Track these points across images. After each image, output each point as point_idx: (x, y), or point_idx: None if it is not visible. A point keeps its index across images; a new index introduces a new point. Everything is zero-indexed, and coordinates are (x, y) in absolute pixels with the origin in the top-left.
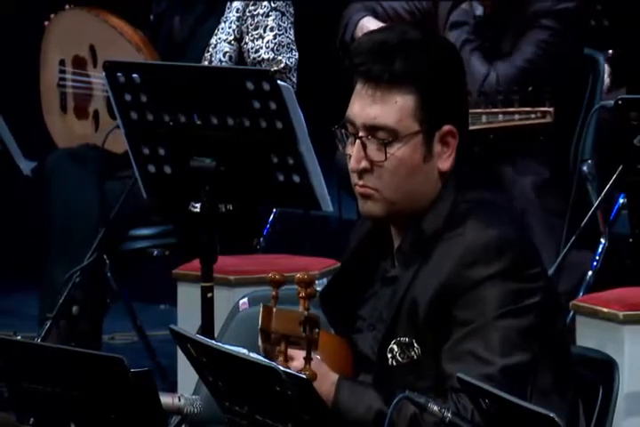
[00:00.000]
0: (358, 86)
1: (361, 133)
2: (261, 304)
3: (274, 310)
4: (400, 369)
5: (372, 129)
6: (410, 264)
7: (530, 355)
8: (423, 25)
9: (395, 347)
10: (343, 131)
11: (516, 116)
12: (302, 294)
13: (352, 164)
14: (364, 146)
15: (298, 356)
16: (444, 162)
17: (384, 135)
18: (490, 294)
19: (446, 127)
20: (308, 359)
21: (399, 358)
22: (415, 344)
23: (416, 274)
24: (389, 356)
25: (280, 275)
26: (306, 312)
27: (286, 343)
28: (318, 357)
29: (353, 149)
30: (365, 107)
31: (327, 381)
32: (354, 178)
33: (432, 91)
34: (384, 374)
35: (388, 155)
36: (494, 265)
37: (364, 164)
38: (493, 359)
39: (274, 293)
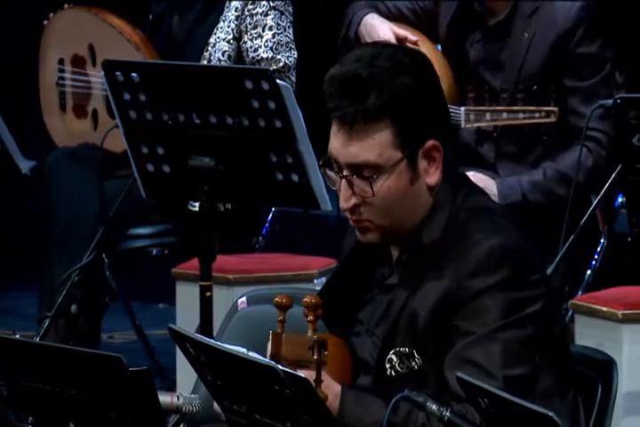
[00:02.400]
0: (334, 127)
1: (345, 173)
2: (270, 331)
3: (283, 336)
4: (399, 379)
5: (355, 167)
6: (409, 275)
7: (531, 366)
8: (390, 44)
9: (393, 357)
10: (328, 169)
11: (521, 115)
12: (310, 318)
13: (342, 204)
14: (350, 184)
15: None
16: (432, 177)
17: (368, 172)
18: (491, 304)
19: (429, 143)
20: (317, 382)
21: (398, 369)
22: (416, 354)
23: (415, 285)
24: (388, 366)
25: (287, 298)
26: (315, 336)
27: (295, 367)
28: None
29: (340, 188)
30: (345, 146)
31: (331, 392)
32: (346, 214)
33: (408, 116)
34: (383, 384)
35: (375, 190)
36: (495, 275)
37: (353, 201)
38: (495, 371)
39: (281, 317)
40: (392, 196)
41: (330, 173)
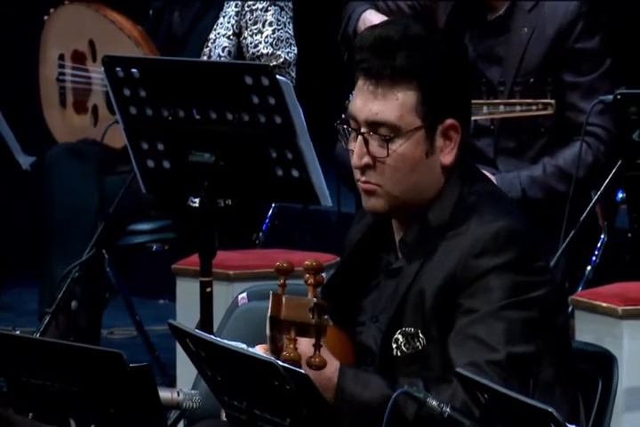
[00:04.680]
0: (360, 82)
1: (363, 129)
2: (271, 292)
3: (283, 297)
4: (405, 359)
5: (373, 125)
6: (414, 256)
7: (533, 347)
8: (425, 19)
9: (400, 337)
10: (345, 126)
11: (518, 108)
12: (311, 281)
13: (354, 160)
14: (366, 142)
15: (307, 343)
16: (447, 156)
17: (386, 131)
18: (496, 283)
19: (448, 121)
20: (317, 346)
21: (404, 349)
22: (420, 335)
23: (422, 265)
24: (394, 346)
25: (287, 263)
26: (315, 299)
27: (296, 331)
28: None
29: (355, 145)
30: (367, 103)
31: (330, 367)
32: (356, 174)
33: (434, 86)
34: (388, 364)
35: (390, 151)
36: (502, 256)
37: (366, 160)
38: (499, 347)
39: (282, 281)
40: (405, 162)
41: (346, 130)
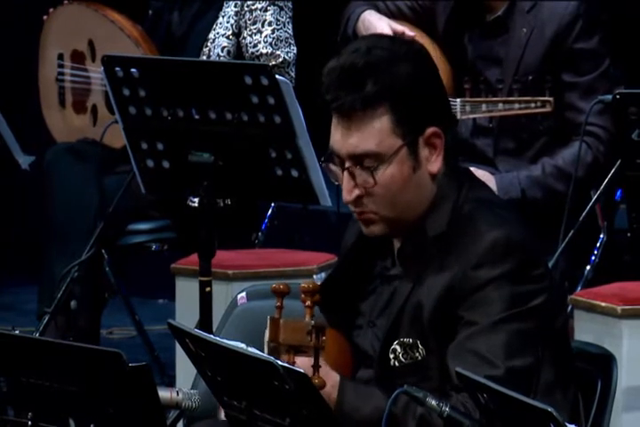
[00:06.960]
0: (334, 120)
1: (347, 164)
2: (268, 317)
3: (281, 321)
4: (403, 370)
5: (356, 158)
6: (412, 267)
7: (533, 359)
8: (386, 35)
9: (397, 348)
10: (329, 164)
11: (516, 106)
12: (308, 303)
13: (345, 196)
14: (352, 176)
15: (306, 364)
16: (434, 164)
17: (370, 162)
18: (495, 295)
19: (429, 130)
20: (316, 367)
21: (402, 359)
22: (419, 345)
23: (420, 276)
24: (392, 356)
25: (284, 285)
26: (312, 321)
27: (294, 353)
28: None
29: (342, 181)
30: (345, 137)
31: (329, 380)
32: (350, 206)
33: (406, 104)
34: (386, 375)
35: (377, 179)
36: (500, 266)
37: (356, 192)
38: (498, 362)
39: (278, 303)
40: (394, 184)
41: (332, 167)
